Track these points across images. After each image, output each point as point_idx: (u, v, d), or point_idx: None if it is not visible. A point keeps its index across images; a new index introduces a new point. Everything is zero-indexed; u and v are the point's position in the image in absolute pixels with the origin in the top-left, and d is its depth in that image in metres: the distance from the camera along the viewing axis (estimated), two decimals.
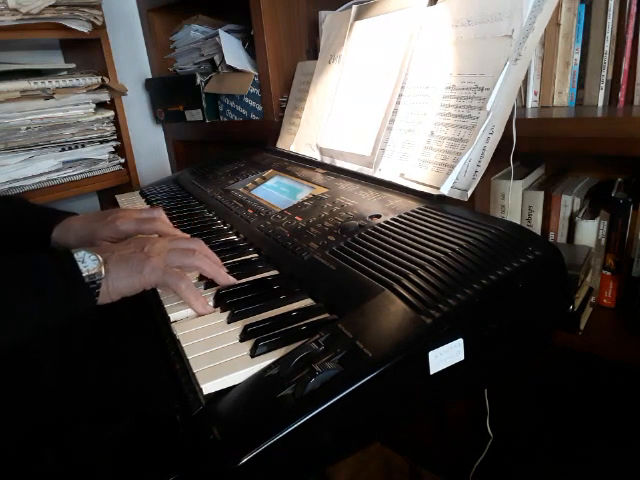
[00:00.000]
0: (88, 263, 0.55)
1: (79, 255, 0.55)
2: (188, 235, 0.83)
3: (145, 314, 0.68)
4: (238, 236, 0.83)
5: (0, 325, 0.50)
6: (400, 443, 1.19)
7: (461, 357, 0.48)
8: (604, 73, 0.79)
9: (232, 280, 0.65)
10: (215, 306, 0.61)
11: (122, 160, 1.48)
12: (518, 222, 0.87)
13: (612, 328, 0.79)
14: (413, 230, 0.63)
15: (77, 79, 1.32)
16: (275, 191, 0.95)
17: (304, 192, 0.89)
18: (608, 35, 0.77)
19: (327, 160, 1.01)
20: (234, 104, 1.34)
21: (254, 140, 1.29)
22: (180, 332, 0.57)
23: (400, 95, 0.87)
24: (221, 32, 1.29)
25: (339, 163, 0.98)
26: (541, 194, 0.86)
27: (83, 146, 1.39)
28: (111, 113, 1.42)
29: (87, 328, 0.77)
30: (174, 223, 0.92)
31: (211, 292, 0.65)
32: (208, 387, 0.47)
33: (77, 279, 0.54)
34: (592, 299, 0.82)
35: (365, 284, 0.55)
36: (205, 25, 1.40)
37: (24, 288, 0.52)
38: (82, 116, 1.36)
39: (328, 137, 1.01)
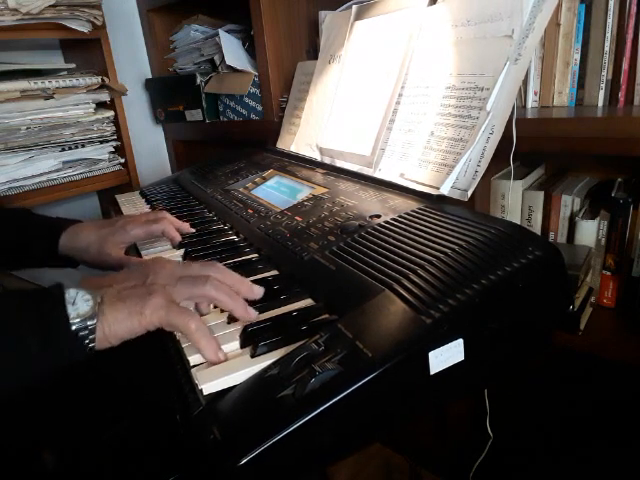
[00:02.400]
0: (79, 305, 0.46)
1: (70, 295, 0.47)
2: (193, 230, 0.82)
3: None
4: (238, 236, 0.83)
5: None
6: (400, 443, 1.19)
7: (461, 357, 0.47)
8: (604, 73, 0.79)
9: (253, 314, 0.54)
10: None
11: (122, 160, 1.48)
12: (518, 222, 0.87)
13: (612, 328, 0.79)
14: (413, 230, 0.63)
15: (77, 79, 1.32)
16: (275, 191, 0.95)
17: (304, 192, 0.89)
18: (608, 35, 0.77)
19: (327, 160, 1.01)
20: (234, 104, 1.34)
21: (254, 140, 1.29)
22: None
23: (400, 95, 0.87)
24: (221, 32, 1.29)
25: (339, 163, 0.98)
26: (541, 194, 0.86)
27: (83, 146, 1.39)
28: (111, 113, 1.42)
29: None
30: None
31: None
32: (208, 387, 0.47)
33: (60, 327, 0.45)
34: (592, 299, 0.82)
35: (365, 284, 0.55)
36: (205, 25, 1.40)
37: (5, 344, 0.44)
38: (82, 116, 1.36)
39: (328, 137, 1.01)
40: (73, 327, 0.45)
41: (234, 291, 0.54)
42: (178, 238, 0.80)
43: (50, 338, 0.45)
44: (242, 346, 0.52)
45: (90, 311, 0.46)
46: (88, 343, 0.46)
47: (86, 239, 0.75)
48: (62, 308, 0.45)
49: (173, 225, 0.80)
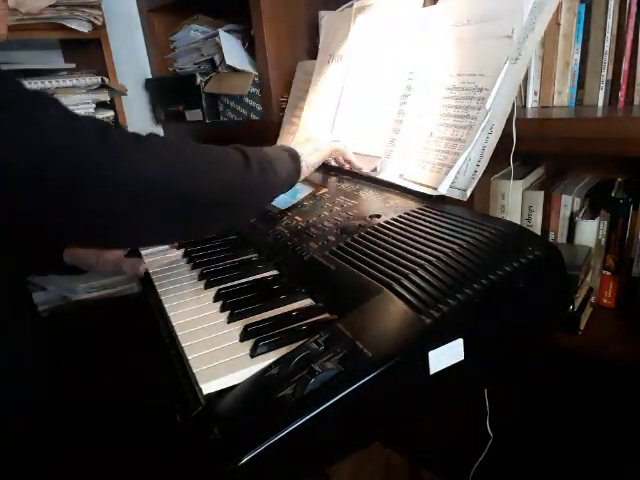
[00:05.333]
0: (293, 150, 0.75)
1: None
2: None
3: (145, 314, 0.68)
4: (238, 236, 0.83)
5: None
6: (400, 443, 1.19)
7: (461, 357, 0.47)
8: (604, 73, 0.79)
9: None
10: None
11: None
12: (518, 222, 0.87)
13: (612, 328, 0.79)
14: (413, 230, 0.63)
15: (77, 79, 1.32)
16: None
17: (304, 192, 0.89)
18: (608, 35, 0.77)
19: (332, 161, 1.00)
20: (234, 104, 1.34)
21: (254, 140, 1.29)
22: (180, 332, 0.57)
23: (402, 95, 0.87)
24: (221, 32, 1.29)
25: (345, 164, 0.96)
26: (541, 194, 0.86)
27: None
28: (111, 113, 1.42)
29: (88, 329, 0.77)
30: None
31: (211, 292, 0.65)
32: (208, 387, 0.47)
33: (299, 160, 0.74)
34: (592, 299, 0.82)
35: (365, 284, 0.55)
36: (205, 25, 1.40)
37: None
38: None
39: (338, 137, 1.00)
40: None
41: None
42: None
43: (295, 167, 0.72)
44: (242, 340, 0.54)
45: (300, 153, 0.74)
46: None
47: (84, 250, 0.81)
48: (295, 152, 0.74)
49: None
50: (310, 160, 0.75)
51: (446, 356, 0.47)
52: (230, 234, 0.85)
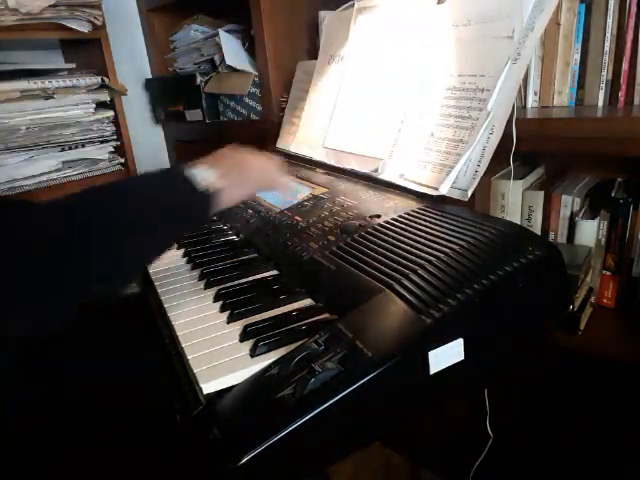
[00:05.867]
0: (204, 176, 0.63)
1: (193, 173, 0.63)
2: None
3: (145, 314, 0.68)
4: (238, 236, 0.83)
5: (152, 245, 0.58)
6: (400, 443, 1.19)
7: (461, 357, 0.48)
8: (604, 73, 0.79)
9: None
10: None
11: (122, 160, 1.48)
12: (518, 222, 0.87)
13: (612, 328, 0.79)
14: (413, 230, 0.63)
15: (77, 79, 1.32)
16: (275, 191, 0.95)
17: (304, 192, 0.89)
18: (608, 35, 0.77)
19: (332, 161, 1.00)
20: (234, 104, 1.34)
21: (254, 140, 1.29)
22: (180, 332, 0.57)
23: (404, 96, 0.87)
24: (221, 32, 1.29)
25: (346, 164, 0.96)
26: (541, 194, 0.86)
27: (83, 146, 1.39)
28: (111, 113, 1.42)
29: (87, 329, 0.77)
30: None
31: (211, 292, 0.65)
32: (208, 387, 0.47)
33: (201, 192, 0.61)
34: (592, 299, 0.82)
35: (365, 284, 0.55)
36: (205, 25, 1.40)
37: (162, 209, 0.58)
38: (82, 116, 1.36)
39: (335, 138, 1.00)
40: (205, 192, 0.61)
41: None
42: None
43: (190, 201, 0.60)
44: (242, 340, 0.53)
45: (213, 181, 0.62)
46: (215, 204, 0.62)
47: None
48: (194, 179, 0.61)
49: None
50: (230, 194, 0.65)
51: (446, 356, 0.47)
52: (230, 234, 0.85)
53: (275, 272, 0.69)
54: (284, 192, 0.84)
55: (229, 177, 0.65)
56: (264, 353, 0.50)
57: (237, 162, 0.70)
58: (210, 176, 0.63)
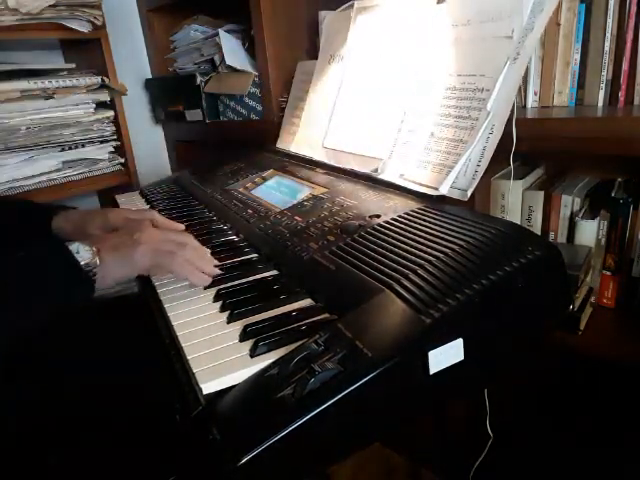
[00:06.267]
0: (83, 254, 0.58)
1: (73, 247, 0.58)
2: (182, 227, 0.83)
3: (145, 314, 0.68)
4: (238, 236, 0.83)
5: (10, 317, 0.55)
6: (400, 443, 1.19)
7: (461, 357, 0.47)
8: (604, 73, 0.79)
9: (207, 279, 0.66)
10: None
11: (122, 160, 1.48)
12: (518, 222, 0.87)
13: (612, 328, 0.79)
14: (413, 230, 0.63)
15: (77, 79, 1.32)
16: (275, 191, 0.95)
17: (304, 192, 0.89)
18: (608, 35, 0.77)
19: (332, 161, 1.00)
20: (234, 104, 1.34)
21: (254, 140, 1.29)
22: (180, 332, 0.57)
23: (404, 96, 0.87)
24: (221, 32, 1.29)
25: (346, 165, 0.96)
26: (541, 194, 0.86)
27: (83, 146, 1.39)
28: (111, 113, 1.42)
29: (87, 329, 0.77)
30: None
31: (210, 292, 0.65)
32: (208, 387, 0.47)
33: (75, 270, 0.57)
34: (592, 299, 0.82)
35: (365, 284, 0.55)
36: (205, 25, 1.40)
37: (30, 282, 0.56)
38: (82, 116, 1.36)
39: (335, 138, 1.00)
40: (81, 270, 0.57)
41: (197, 267, 0.65)
42: None
43: (70, 279, 0.57)
44: (241, 340, 0.53)
45: (91, 258, 0.58)
46: (92, 284, 0.58)
47: (73, 223, 0.83)
48: (73, 257, 0.57)
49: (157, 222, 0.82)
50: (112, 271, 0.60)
51: (446, 356, 0.47)
52: (230, 234, 0.85)
53: (275, 272, 0.69)
54: (179, 274, 0.66)
55: (110, 254, 0.60)
56: (264, 353, 0.50)
57: (123, 239, 0.63)
58: (87, 253, 0.58)
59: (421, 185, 0.76)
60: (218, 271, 0.68)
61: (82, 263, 0.58)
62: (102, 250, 0.60)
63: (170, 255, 0.62)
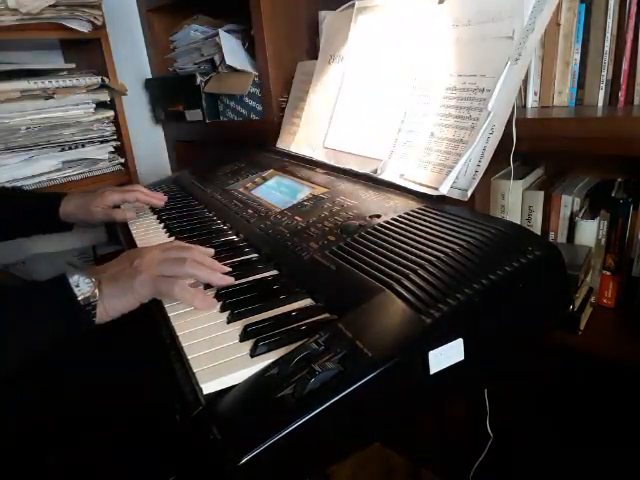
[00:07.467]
0: (82, 287, 0.58)
1: (74, 279, 0.58)
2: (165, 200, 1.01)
3: (145, 314, 0.68)
4: (238, 236, 0.83)
5: (9, 354, 0.56)
6: (400, 443, 1.19)
7: (461, 357, 0.47)
8: (604, 73, 0.79)
9: (229, 280, 0.64)
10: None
11: (122, 160, 1.48)
12: (518, 222, 0.87)
13: (612, 328, 0.79)
14: (413, 230, 0.63)
15: (77, 79, 1.32)
16: (275, 191, 0.95)
17: (304, 192, 0.89)
18: (608, 35, 0.77)
19: (332, 161, 1.00)
20: (234, 104, 1.34)
21: (254, 140, 1.29)
22: (180, 332, 0.57)
23: (404, 96, 0.87)
24: (221, 32, 1.29)
25: (346, 165, 0.96)
26: (541, 194, 0.86)
27: (83, 146, 1.39)
28: (111, 113, 1.42)
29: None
30: (174, 223, 0.92)
31: (211, 292, 0.65)
32: (208, 387, 0.47)
33: (74, 305, 0.57)
34: (592, 299, 0.82)
35: (365, 284, 0.55)
36: (205, 25, 1.40)
37: (28, 319, 0.56)
38: (82, 116, 1.36)
39: (335, 138, 1.00)
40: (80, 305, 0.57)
41: (209, 266, 0.64)
42: (152, 202, 1.00)
43: (68, 315, 0.57)
44: (242, 340, 0.53)
45: (91, 291, 0.58)
46: (91, 317, 0.58)
47: (76, 203, 0.95)
48: (72, 291, 0.57)
49: (145, 194, 0.99)
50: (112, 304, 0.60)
51: (446, 356, 0.47)
52: (230, 234, 0.85)
53: (275, 272, 0.69)
54: (182, 301, 0.62)
55: (109, 286, 0.59)
56: (264, 353, 0.50)
57: (123, 266, 0.62)
58: (87, 286, 0.58)
59: (421, 185, 0.76)
60: (227, 279, 0.64)
61: (81, 298, 0.57)
62: (102, 282, 0.59)
63: (170, 283, 0.59)
